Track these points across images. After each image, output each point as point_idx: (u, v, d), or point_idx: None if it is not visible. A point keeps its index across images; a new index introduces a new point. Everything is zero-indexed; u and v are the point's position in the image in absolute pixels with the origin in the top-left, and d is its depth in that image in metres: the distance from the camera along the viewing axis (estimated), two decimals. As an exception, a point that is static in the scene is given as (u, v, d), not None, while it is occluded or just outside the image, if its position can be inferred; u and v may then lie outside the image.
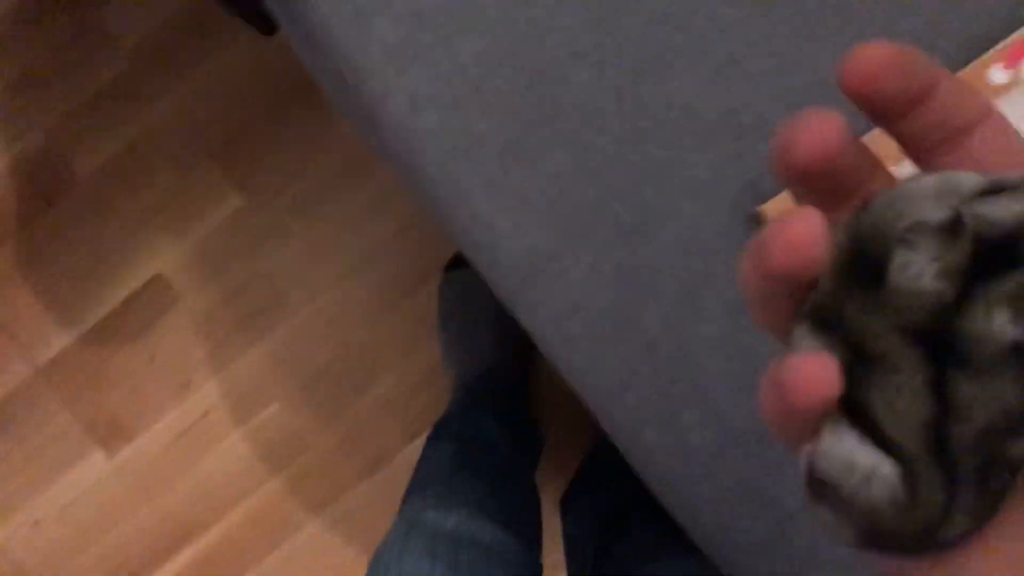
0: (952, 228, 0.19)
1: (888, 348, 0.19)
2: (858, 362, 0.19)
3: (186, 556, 1.11)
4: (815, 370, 0.19)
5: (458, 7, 0.38)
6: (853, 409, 0.20)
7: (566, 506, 0.92)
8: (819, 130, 0.19)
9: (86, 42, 1.08)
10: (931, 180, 0.19)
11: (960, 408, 0.19)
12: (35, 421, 1.11)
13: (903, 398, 0.19)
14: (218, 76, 1.07)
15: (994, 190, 0.19)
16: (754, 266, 0.20)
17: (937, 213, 0.19)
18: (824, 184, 0.20)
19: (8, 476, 1.12)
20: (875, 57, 0.19)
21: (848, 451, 0.20)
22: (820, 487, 0.20)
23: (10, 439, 1.11)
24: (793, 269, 0.19)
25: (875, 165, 0.21)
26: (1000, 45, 0.37)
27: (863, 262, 0.19)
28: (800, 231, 0.19)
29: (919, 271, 0.19)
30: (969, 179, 0.19)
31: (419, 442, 1.05)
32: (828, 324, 0.20)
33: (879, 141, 0.36)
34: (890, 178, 0.22)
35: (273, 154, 1.08)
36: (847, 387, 0.19)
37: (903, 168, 0.36)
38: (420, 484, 0.80)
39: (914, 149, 0.21)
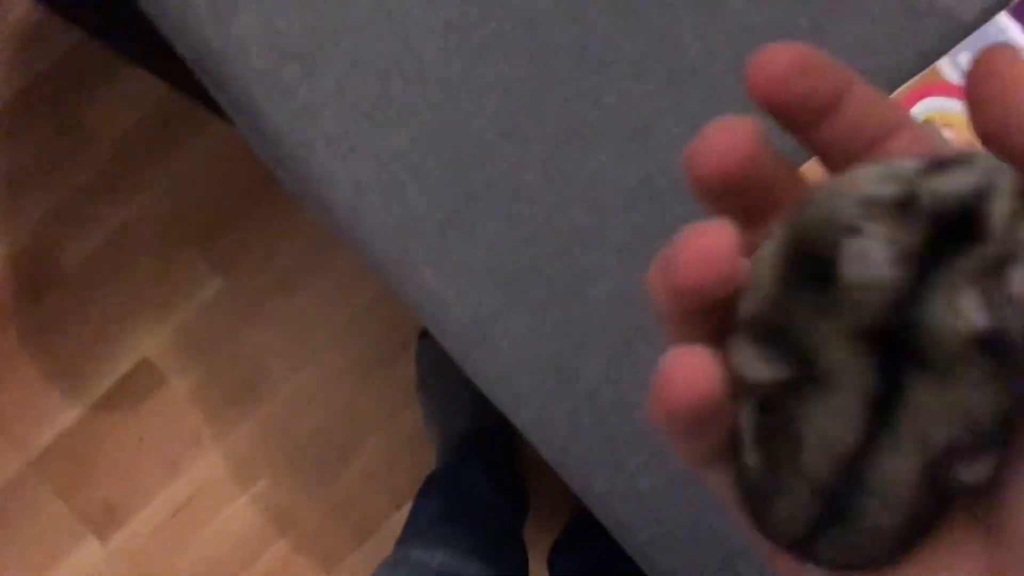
0: (906, 205, 0.17)
1: (835, 360, 0.17)
2: (807, 380, 0.18)
3: (184, 639, 1.11)
4: (687, 366, 0.17)
5: (393, 100, 0.42)
6: (783, 435, 0.18)
7: (553, 561, 0.93)
8: (728, 137, 0.18)
9: (68, 140, 1.13)
10: (872, 167, 0.18)
11: (904, 434, 0.17)
12: (28, 513, 1.13)
13: (835, 423, 0.18)
14: (194, 165, 1.12)
15: (938, 167, 0.17)
16: (663, 283, 0.18)
17: (888, 188, 0.17)
18: (740, 199, 0.19)
19: (3, 570, 1.13)
20: (782, 58, 0.18)
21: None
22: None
23: (3, 532, 1.12)
24: (704, 286, 0.17)
25: (797, 179, 0.20)
26: (901, 87, 0.41)
27: (808, 262, 0.17)
28: (710, 243, 0.17)
29: (872, 258, 0.17)
30: (910, 162, 0.17)
31: (407, 508, 1.06)
32: (772, 337, 0.18)
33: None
34: None
35: (250, 236, 1.11)
36: (786, 409, 0.18)
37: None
38: (408, 534, 0.81)
39: (830, 161, 0.20)
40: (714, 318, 0.18)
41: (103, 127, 1.11)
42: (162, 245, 1.12)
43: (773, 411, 0.18)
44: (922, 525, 0.18)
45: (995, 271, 0.17)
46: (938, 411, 0.17)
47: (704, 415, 0.17)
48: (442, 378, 1.03)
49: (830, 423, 0.17)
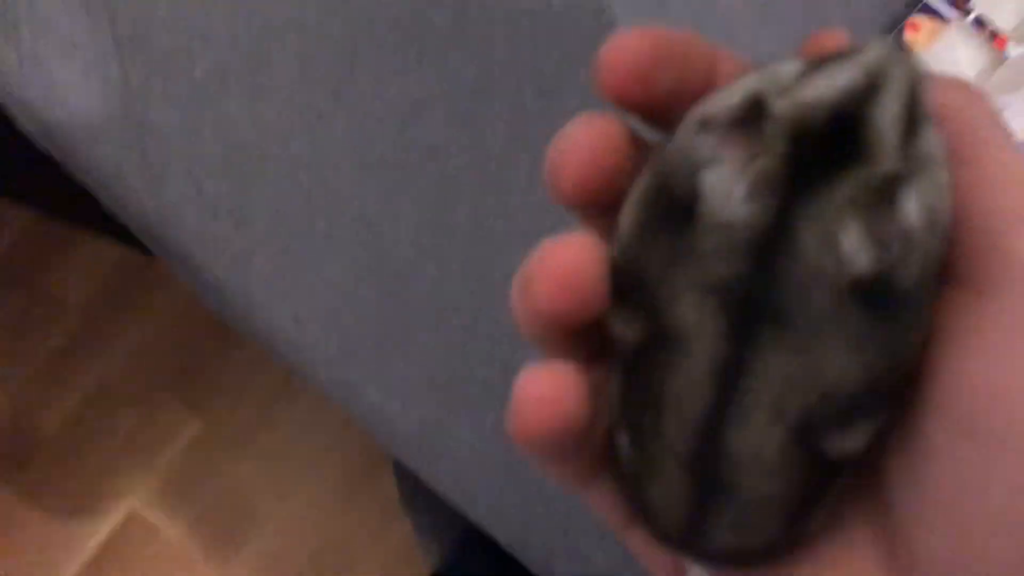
0: (753, 118, 0.14)
1: (684, 318, 0.15)
2: (662, 340, 0.15)
3: None
4: (543, 387, 0.15)
5: (319, 238, 0.45)
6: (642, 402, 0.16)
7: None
8: (585, 152, 0.16)
9: (37, 310, 1.16)
10: (747, 78, 0.15)
11: (751, 404, 0.15)
12: None
13: (687, 389, 0.15)
14: (160, 316, 1.15)
15: (818, 66, 0.14)
16: (524, 308, 0.16)
17: (733, 100, 0.14)
18: (613, 202, 0.16)
19: None
20: (634, 48, 0.15)
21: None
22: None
23: None
24: (566, 312, 0.15)
25: None
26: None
27: (669, 203, 0.15)
28: (569, 263, 0.15)
29: (720, 191, 0.14)
30: (793, 64, 0.15)
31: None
32: (632, 291, 0.16)
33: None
34: None
35: (222, 375, 1.14)
36: (647, 374, 0.16)
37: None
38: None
39: None
40: (589, 336, 0.16)
41: (69, 292, 1.15)
42: (139, 396, 1.14)
43: (637, 377, 0.16)
44: (810, 494, 0.16)
45: (882, 197, 0.13)
46: (793, 377, 0.14)
47: (566, 439, 0.15)
48: (423, 483, 1.03)
49: (683, 389, 0.15)
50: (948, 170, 0.15)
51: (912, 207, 0.14)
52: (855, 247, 0.14)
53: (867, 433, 0.15)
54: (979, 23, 0.45)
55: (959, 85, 0.16)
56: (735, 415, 0.15)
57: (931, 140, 0.15)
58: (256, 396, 1.13)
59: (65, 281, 1.16)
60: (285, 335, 0.46)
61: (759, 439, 0.15)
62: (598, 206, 0.16)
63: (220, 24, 0.45)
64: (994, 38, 0.45)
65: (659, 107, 0.16)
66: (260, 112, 0.45)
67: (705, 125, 0.15)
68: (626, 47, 0.15)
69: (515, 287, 0.17)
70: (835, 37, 0.17)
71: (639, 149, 0.17)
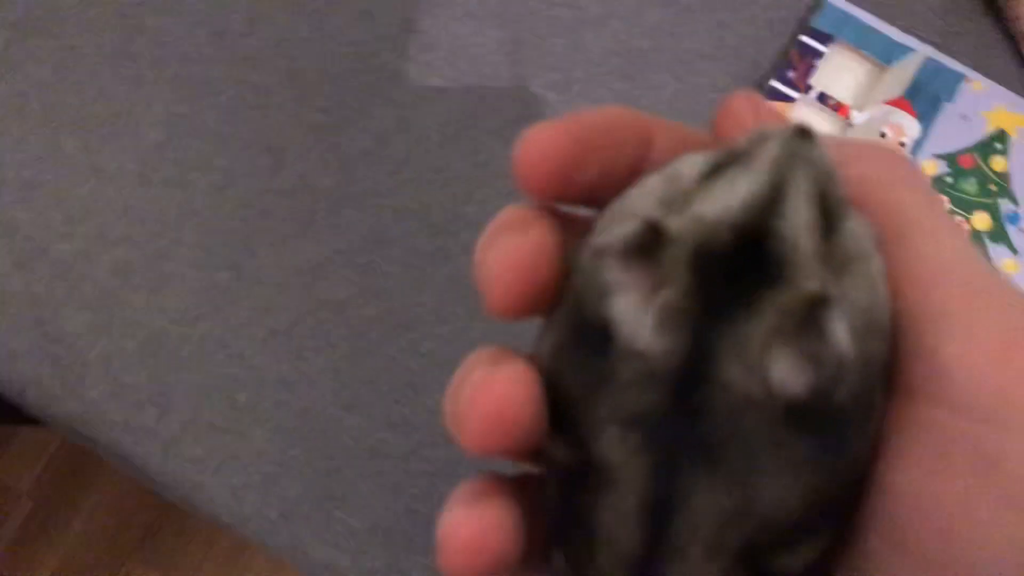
0: (652, 244, 0.13)
1: (608, 451, 0.14)
2: (591, 467, 0.14)
3: None
4: (468, 528, 0.15)
5: (243, 409, 0.47)
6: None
7: None
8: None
9: (-12, 500, 1.14)
10: (654, 180, 0.14)
11: (687, 542, 0.14)
12: None
13: (618, 527, 0.14)
14: (115, 484, 1.14)
15: (715, 170, 0.14)
16: (455, 433, 0.15)
17: (626, 228, 0.13)
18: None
19: None
20: (552, 145, 0.15)
21: None
22: None
23: None
24: (495, 451, 0.14)
25: (660, 128, 0.16)
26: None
27: (588, 326, 0.14)
28: (499, 399, 0.14)
29: (634, 321, 0.13)
30: (692, 166, 0.14)
31: None
32: (558, 418, 0.15)
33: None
34: None
35: (186, 532, 1.12)
36: (579, 499, 0.15)
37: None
38: None
39: None
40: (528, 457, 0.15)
41: (16, 482, 1.13)
42: (103, 567, 1.12)
43: (570, 499, 0.15)
44: None
45: (807, 322, 0.12)
46: (729, 510, 0.13)
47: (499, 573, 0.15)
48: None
49: (614, 524, 0.14)
50: (879, 258, 0.14)
51: (841, 328, 0.12)
52: (785, 375, 0.13)
53: (815, 549, 0.14)
54: (823, 97, 0.49)
55: (881, 155, 0.16)
56: (670, 552, 0.14)
57: (854, 233, 0.14)
58: (221, 548, 1.11)
59: (12, 466, 1.14)
60: (226, 509, 0.46)
61: (698, 574, 0.14)
62: (536, 313, 0.16)
63: (116, 226, 0.47)
64: (839, 108, 0.49)
65: (587, 194, 0.16)
66: (166, 301, 0.47)
67: (603, 255, 0.14)
68: (542, 143, 0.15)
69: (447, 410, 0.16)
70: (747, 100, 0.16)
71: (568, 245, 0.16)
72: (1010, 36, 0.49)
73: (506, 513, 0.15)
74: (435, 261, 0.47)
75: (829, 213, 0.13)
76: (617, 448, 0.14)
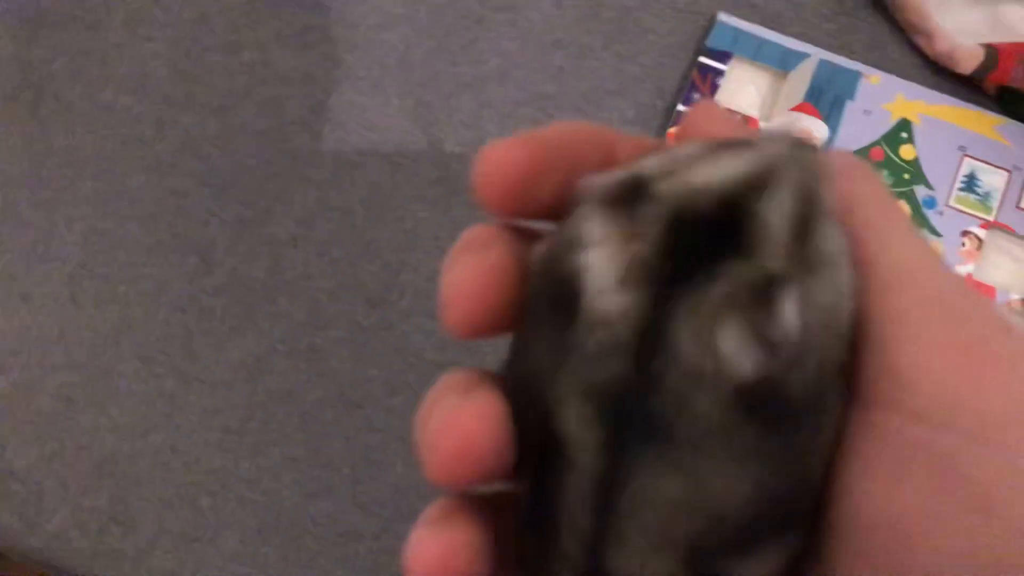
0: (634, 197, 0.13)
1: (566, 427, 0.13)
2: (554, 448, 0.14)
3: None
4: (431, 555, 0.15)
5: (207, 514, 0.46)
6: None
7: None
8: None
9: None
10: (652, 158, 0.14)
11: (630, 528, 0.13)
12: None
13: (576, 507, 0.14)
14: None
15: (715, 150, 0.14)
16: (422, 466, 0.15)
17: (611, 178, 0.13)
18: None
19: None
20: (510, 162, 0.15)
21: None
22: None
23: None
24: (463, 483, 0.14)
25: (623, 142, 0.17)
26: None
27: (557, 298, 0.14)
28: (467, 433, 0.14)
29: (600, 274, 0.13)
30: (690, 148, 0.14)
31: None
32: (524, 400, 0.14)
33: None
34: None
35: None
36: (546, 482, 0.14)
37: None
38: None
39: None
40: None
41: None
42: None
43: (540, 483, 0.15)
44: None
45: (760, 296, 0.12)
46: (676, 499, 0.13)
47: None
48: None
49: (572, 504, 0.14)
50: (850, 271, 0.14)
51: (792, 310, 0.12)
52: (734, 349, 0.12)
53: (771, 561, 0.14)
54: (730, 111, 0.50)
55: (841, 159, 0.16)
56: (614, 538, 0.13)
57: (830, 240, 0.13)
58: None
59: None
60: (205, 618, 0.46)
61: (640, 566, 0.13)
62: (496, 332, 0.16)
63: (53, 351, 0.47)
64: (748, 121, 0.50)
65: (550, 209, 0.16)
66: (114, 418, 0.46)
67: (583, 199, 0.14)
68: (499, 159, 0.15)
69: (416, 436, 0.16)
70: (706, 110, 0.16)
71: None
72: (899, 28, 0.50)
73: (474, 533, 0.15)
74: (377, 334, 0.48)
75: (809, 218, 0.13)
76: (575, 422, 0.13)
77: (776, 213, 0.13)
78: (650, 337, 0.12)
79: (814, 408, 0.13)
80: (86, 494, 0.46)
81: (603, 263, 0.13)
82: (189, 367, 0.47)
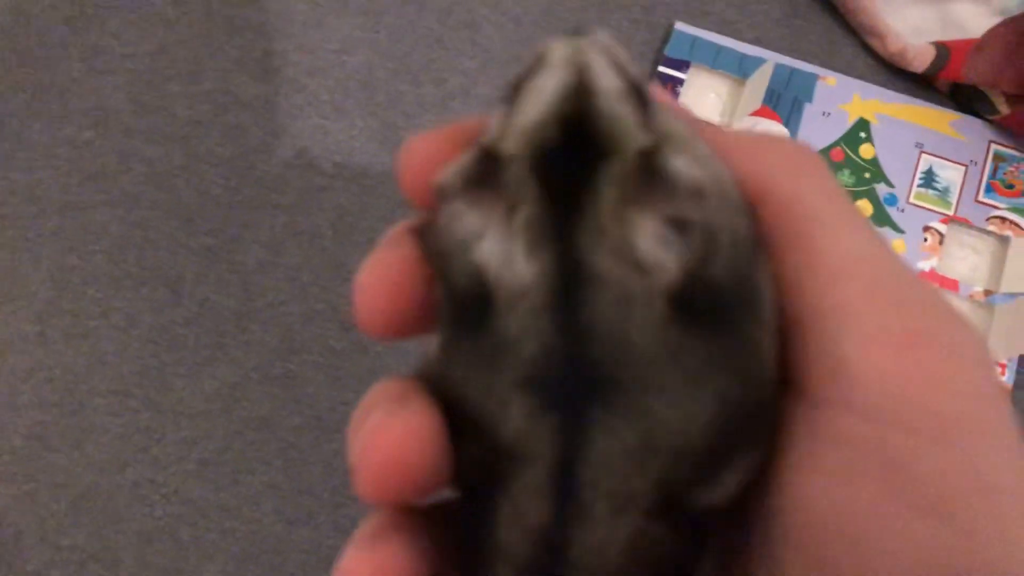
0: (490, 171, 0.13)
1: (512, 426, 0.13)
2: (498, 456, 0.13)
3: None
4: None
5: (190, 546, 0.46)
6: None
7: None
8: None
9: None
10: (485, 131, 0.14)
11: (592, 500, 0.12)
12: None
13: (528, 505, 0.13)
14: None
15: (514, 89, 0.13)
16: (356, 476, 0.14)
17: (455, 165, 0.13)
18: None
19: None
20: (429, 151, 0.15)
21: None
22: None
23: None
24: (393, 500, 0.13)
25: None
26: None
27: (464, 303, 0.13)
28: (393, 450, 0.13)
29: (502, 257, 0.12)
30: (498, 111, 0.14)
31: None
32: (460, 419, 0.13)
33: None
34: None
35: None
36: (483, 498, 0.14)
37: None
38: None
39: None
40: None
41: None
42: None
43: (475, 503, 0.14)
44: (676, 567, 0.14)
45: (646, 175, 0.12)
46: (635, 449, 0.12)
47: None
48: None
49: (526, 505, 0.13)
50: (703, 143, 0.13)
51: (682, 163, 0.12)
52: (652, 244, 0.12)
53: (736, 476, 0.13)
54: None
55: (782, 146, 0.15)
56: (575, 516, 0.13)
57: (669, 118, 0.13)
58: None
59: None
60: (191, 651, 0.45)
61: (608, 533, 0.13)
62: (412, 331, 0.15)
63: (23, 390, 0.47)
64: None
65: None
66: (90, 454, 0.46)
67: (447, 195, 0.13)
68: (423, 150, 0.15)
69: (348, 449, 0.15)
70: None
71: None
72: (851, 30, 0.51)
73: (408, 553, 0.14)
74: (351, 357, 0.48)
75: (640, 88, 0.13)
76: (524, 420, 0.13)
77: (610, 96, 0.12)
78: (572, 288, 0.12)
79: (746, 293, 0.13)
80: (64, 533, 0.45)
81: (499, 247, 0.12)
82: (163, 399, 0.47)
